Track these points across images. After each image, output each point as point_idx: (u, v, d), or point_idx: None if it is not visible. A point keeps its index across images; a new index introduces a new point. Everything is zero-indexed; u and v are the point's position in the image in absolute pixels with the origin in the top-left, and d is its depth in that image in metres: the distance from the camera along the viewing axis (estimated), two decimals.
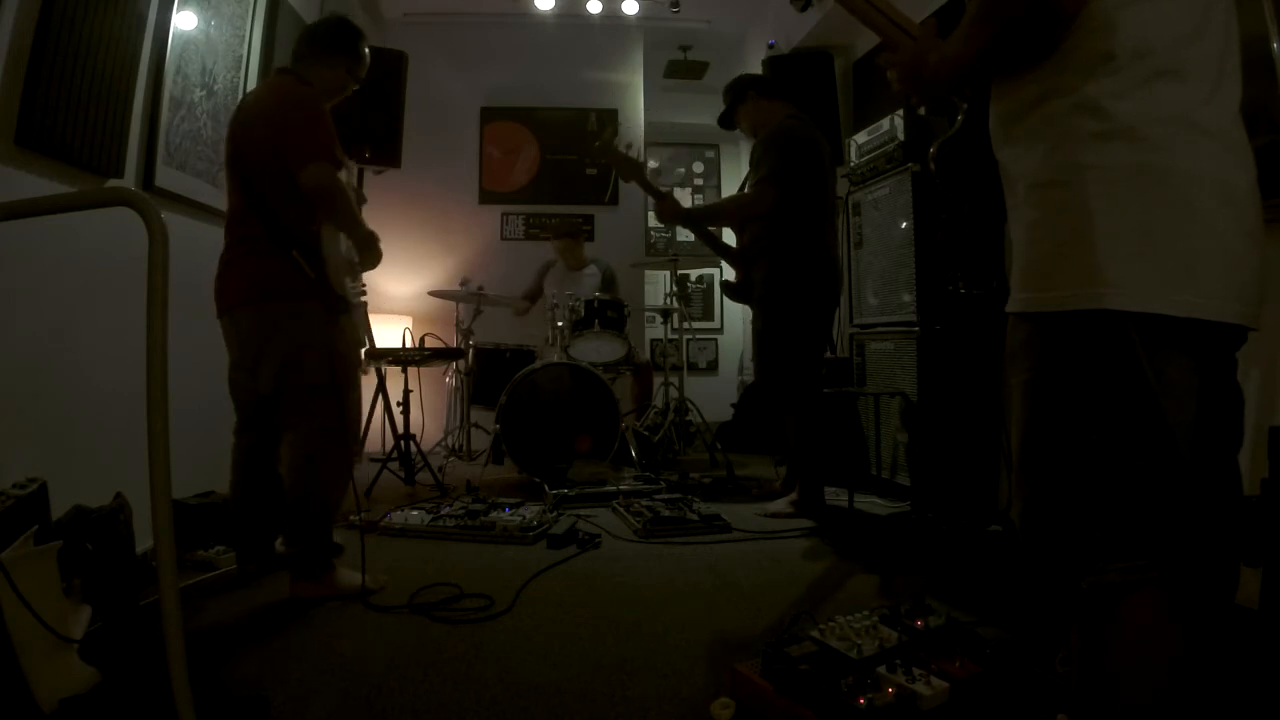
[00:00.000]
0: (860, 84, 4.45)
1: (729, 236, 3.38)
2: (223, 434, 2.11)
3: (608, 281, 4.44)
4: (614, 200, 5.20)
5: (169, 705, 0.99)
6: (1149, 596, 0.85)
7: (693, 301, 6.71)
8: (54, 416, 1.90)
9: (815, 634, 1.34)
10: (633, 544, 2.51)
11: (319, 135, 1.86)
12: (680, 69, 5.76)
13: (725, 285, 3.17)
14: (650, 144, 5.88)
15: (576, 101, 5.23)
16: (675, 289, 4.26)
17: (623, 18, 5.02)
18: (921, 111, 2.94)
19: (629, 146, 3.24)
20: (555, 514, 2.81)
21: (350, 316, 2.00)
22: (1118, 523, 0.85)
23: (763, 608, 1.87)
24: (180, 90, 2.49)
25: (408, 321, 4.54)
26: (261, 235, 1.89)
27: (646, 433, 3.88)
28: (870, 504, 3.01)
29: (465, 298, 4.15)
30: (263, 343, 1.90)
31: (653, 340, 5.59)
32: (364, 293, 2.34)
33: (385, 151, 3.89)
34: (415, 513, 2.69)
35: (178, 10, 2.42)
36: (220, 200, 2.04)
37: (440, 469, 3.60)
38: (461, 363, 4.16)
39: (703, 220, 3.24)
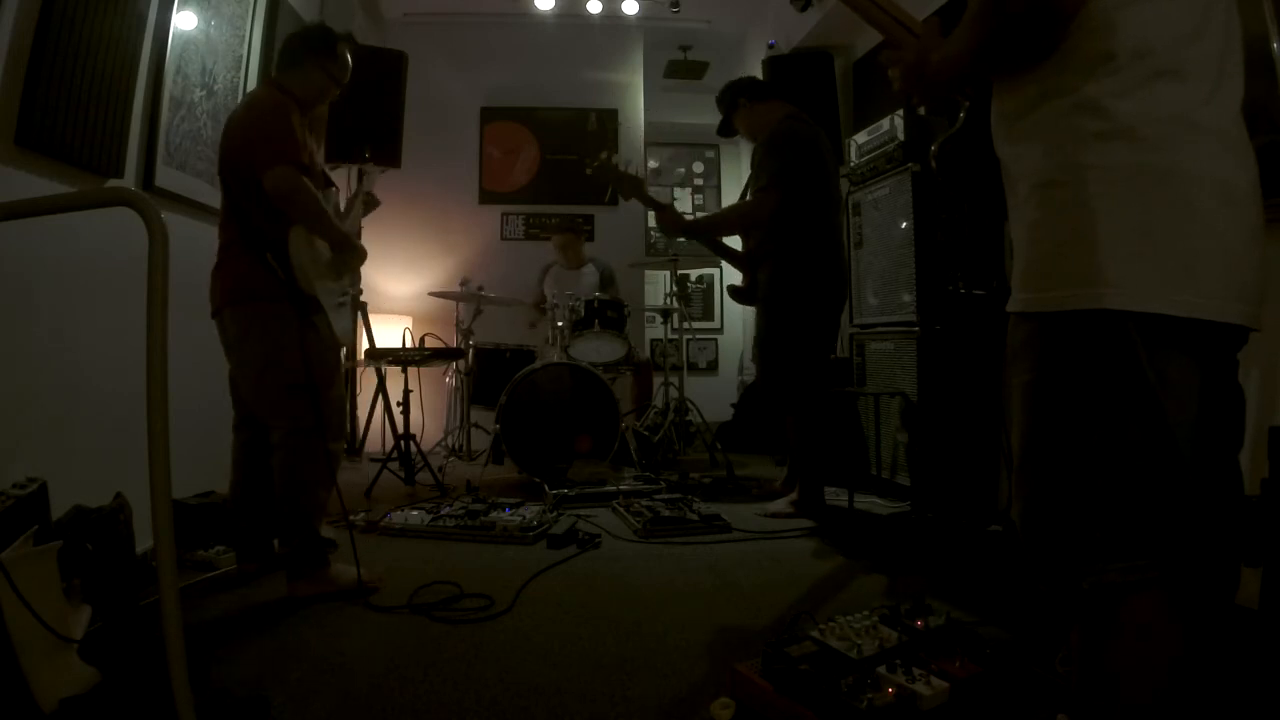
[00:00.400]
0: (860, 84, 4.45)
1: (730, 239, 3.38)
2: (223, 434, 2.12)
3: (606, 281, 4.43)
4: (614, 200, 5.19)
5: (169, 705, 0.99)
6: (1149, 597, 0.85)
7: (693, 301, 6.71)
8: (54, 416, 1.90)
9: (815, 634, 1.34)
10: (633, 544, 2.51)
11: (282, 140, 1.89)
12: (680, 69, 5.75)
13: (731, 289, 3.16)
14: (650, 144, 5.88)
15: (576, 101, 5.24)
16: (675, 289, 4.26)
17: (623, 18, 5.02)
18: (921, 111, 2.94)
19: (628, 164, 3.23)
20: (555, 514, 2.81)
21: (325, 316, 2.03)
22: (1118, 523, 0.85)
23: (763, 608, 1.87)
24: (180, 90, 2.49)
25: (408, 321, 4.55)
26: (241, 239, 1.95)
27: (646, 433, 3.87)
28: (870, 504, 3.01)
29: (465, 298, 4.15)
30: (246, 342, 1.94)
31: (653, 340, 5.58)
32: (360, 292, 2.34)
33: (385, 151, 3.90)
34: (415, 513, 2.69)
35: (178, 10, 2.42)
36: (219, 200, 2.06)
37: (440, 469, 3.60)
38: (461, 363, 4.16)
39: (703, 231, 3.24)
